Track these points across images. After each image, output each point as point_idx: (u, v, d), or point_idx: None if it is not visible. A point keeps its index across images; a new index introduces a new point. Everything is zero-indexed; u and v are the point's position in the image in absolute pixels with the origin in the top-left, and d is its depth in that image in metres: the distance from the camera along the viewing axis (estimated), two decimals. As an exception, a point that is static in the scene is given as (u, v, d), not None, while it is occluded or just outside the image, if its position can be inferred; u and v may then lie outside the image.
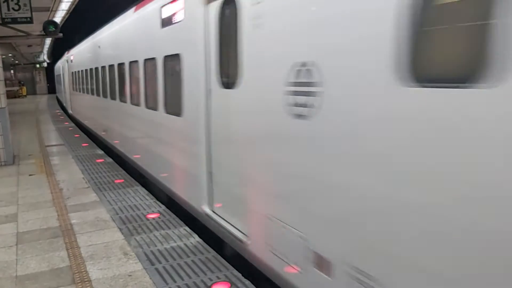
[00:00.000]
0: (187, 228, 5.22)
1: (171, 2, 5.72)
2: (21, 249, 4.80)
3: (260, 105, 3.64)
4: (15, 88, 43.45)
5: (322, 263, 3.02)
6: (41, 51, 36.61)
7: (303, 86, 3.09)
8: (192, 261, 4.31)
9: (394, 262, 2.47)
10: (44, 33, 13.76)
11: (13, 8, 10.72)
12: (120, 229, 5.23)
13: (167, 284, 3.86)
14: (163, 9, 6.02)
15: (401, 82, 2.35)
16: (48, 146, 11.75)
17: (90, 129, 13.74)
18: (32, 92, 49.57)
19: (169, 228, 5.21)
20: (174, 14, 5.61)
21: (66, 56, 18.19)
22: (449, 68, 2.18)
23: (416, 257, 2.33)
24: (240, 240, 4.13)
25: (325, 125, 2.90)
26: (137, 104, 7.66)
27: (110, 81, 9.94)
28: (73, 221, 5.59)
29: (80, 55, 13.73)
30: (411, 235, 2.35)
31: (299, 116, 3.13)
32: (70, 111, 19.41)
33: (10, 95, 40.37)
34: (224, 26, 4.32)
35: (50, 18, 14.95)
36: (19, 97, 42.08)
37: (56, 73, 29.48)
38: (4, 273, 4.24)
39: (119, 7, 8.75)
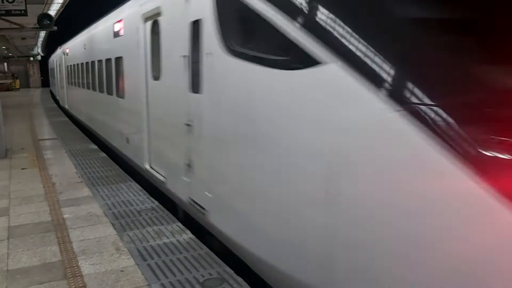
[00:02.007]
0: (180, 224, 5.22)
1: (118, 21, 8.19)
2: (12, 243, 4.78)
3: (169, 90, 5.63)
4: (8, 81, 43.14)
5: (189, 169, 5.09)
6: (35, 44, 36.36)
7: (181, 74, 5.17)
8: (185, 257, 4.31)
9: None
10: (39, 26, 13.65)
11: (7, 0, 10.63)
12: (113, 225, 5.22)
13: (159, 280, 3.86)
14: (114, 25, 8.52)
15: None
16: (41, 140, 11.68)
17: (74, 110, 16.12)
18: (26, 85, 49.23)
19: (162, 224, 5.21)
20: (120, 29, 8.05)
21: (59, 50, 19.77)
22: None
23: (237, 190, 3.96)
24: (162, 181, 6.11)
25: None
26: (102, 91, 10.17)
27: (87, 74, 12.29)
28: (65, 216, 5.56)
29: (72, 51, 15.45)
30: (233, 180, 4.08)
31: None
32: (57, 97, 22.81)
33: (3, 88, 40.10)
34: (153, 38, 6.27)
35: (45, 11, 14.82)
36: (12, 90, 41.79)
37: (50, 67, 29.94)
38: (-5, 267, 4.21)
39: (112, 1, 9.28)
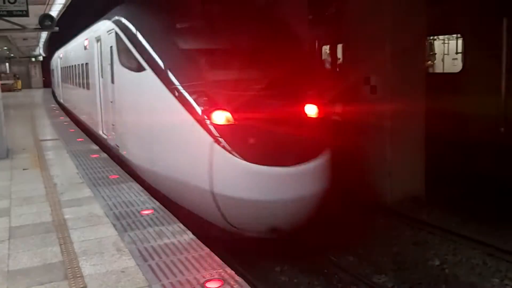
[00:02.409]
0: (181, 225, 5.21)
1: (86, 39, 11.96)
2: (13, 243, 4.77)
3: (105, 83, 8.94)
4: (10, 82, 43.14)
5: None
6: (37, 45, 36.39)
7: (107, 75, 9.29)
8: (186, 258, 4.30)
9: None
10: (40, 27, 13.66)
11: (8, 1, 10.63)
12: (114, 225, 5.21)
13: (160, 280, 3.85)
14: (84, 40, 12.23)
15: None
16: (42, 140, 11.69)
17: (67, 105, 19.79)
18: (27, 85, 49.22)
19: (163, 225, 5.19)
20: (87, 44, 11.75)
21: (56, 54, 25.39)
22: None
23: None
24: (105, 139, 9.61)
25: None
26: (79, 86, 13.98)
27: (71, 74, 16.22)
28: (66, 216, 5.56)
29: (63, 56, 20.17)
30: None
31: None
32: (56, 94, 27.70)
33: (5, 89, 40.05)
34: (99, 52, 9.80)
35: (46, 12, 14.83)
36: (14, 90, 41.80)
37: (51, 68, 32.70)
38: (-4, 267, 4.21)
39: (113, 2, 10.40)
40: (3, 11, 10.40)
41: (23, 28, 13.26)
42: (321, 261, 6.36)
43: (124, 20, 7.58)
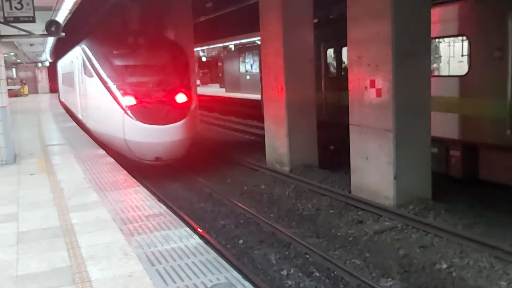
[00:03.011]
0: (187, 229, 5.23)
1: (70, 57, 17.07)
2: (21, 248, 4.81)
3: (80, 85, 14.06)
4: (17, 87, 43.41)
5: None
6: (43, 50, 36.62)
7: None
8: (193, 262, 4.31)
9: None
10: (47, 33, 13.77)
11: (15, 7, 10.71)
12: (121, 230, 5.23)
13: (167, 285, 3.86)
14: (70, 57, 16.85)
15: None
16: (49, 145, 11.76)
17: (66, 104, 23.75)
18: (34, 91, 49.51)
19: (170, 229, 5.21)
20: (71, 60, 16.25)
21: (59, 63, 29.50)
22: None
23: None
24: (80, 118, 14.61)
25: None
26: (69, 86, 18.63)
27: (65, 78, 21.18)
28: (73, 221, 5.59)
29: (62, 65, 24.39)
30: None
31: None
32: (59, 95, 32.11)
33: (12, 94, 40.30)
34: (77, 65, 14.10)
35: (53, 18, 14.94)
36: (20, 95, 42.04)
37: (57, 74, 33.20)
38: (4, 272, 4.25)
39: (119, 7, 12.41)
40: (10, 17, 10.46)
41: (29, 34, 13.34)
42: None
43: (86, 48, 12.52)
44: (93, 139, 12.21)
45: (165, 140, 10.03)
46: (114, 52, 11.28)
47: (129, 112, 10.14)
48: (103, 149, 10.72)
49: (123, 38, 11.92)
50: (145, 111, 10.14)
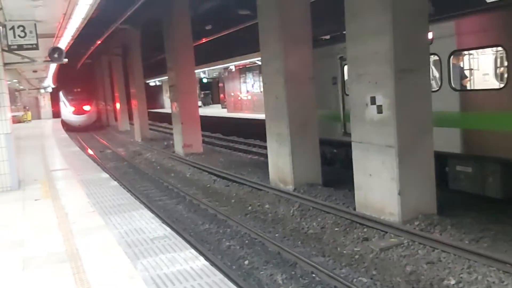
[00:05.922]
0: (193, 251, 5.22)
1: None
2: (27, 274, 4.80)
3: None
4: (20, 113, 43.72)
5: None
6: (46, 76, 37.05)
7: None
8: (199, 284, 4.29)
9: None
10: (50, 59, 13.93)
11: (19, 35, 10.88)
12: (126, 253, 5.22)
13: (174, 308, 3.84)
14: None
15: None
16: (53, 170, 11.79)
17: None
18: (37, 116, 49.87)
19: (175, 251, 5.20)
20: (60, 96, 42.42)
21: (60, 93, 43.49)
22: None
23: None
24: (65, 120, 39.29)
25: None
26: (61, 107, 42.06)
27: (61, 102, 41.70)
28: (79, 246, 5.58)
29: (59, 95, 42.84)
30: None
31: None
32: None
33: (15, 121, 40.60)
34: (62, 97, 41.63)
35: (55, 45, 15.14)
36: (24, 122, 42.34)
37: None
38: (11, 299, 4.23)
39: (120, 32, 10.34)
40: (14, 45, 10.63)
41: (32, 60, 13.50)
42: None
43: (60, 93, 38.46)
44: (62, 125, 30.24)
45: (80, 120, 36.77)
46: (67, 90, 38.27)
47: (71, 111, 36.72)
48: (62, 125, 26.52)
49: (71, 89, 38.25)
50: (76, 111, 36.69)
